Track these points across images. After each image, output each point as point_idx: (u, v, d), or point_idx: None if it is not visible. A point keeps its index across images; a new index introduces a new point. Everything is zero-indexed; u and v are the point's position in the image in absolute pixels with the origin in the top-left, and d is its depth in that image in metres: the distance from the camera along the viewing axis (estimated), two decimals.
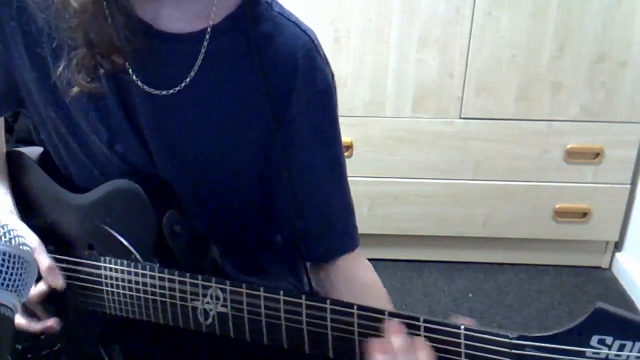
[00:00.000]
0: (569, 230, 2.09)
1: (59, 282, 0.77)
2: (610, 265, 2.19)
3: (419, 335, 0.59)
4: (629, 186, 2.02)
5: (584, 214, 2.06)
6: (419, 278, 2.13)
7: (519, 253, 2.19)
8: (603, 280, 2.14)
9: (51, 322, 0.80)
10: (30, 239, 0.78)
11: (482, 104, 1.95)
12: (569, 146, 1.98)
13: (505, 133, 1.97)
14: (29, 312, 0.81)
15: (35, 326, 0.79)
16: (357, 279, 0.87)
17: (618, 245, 2.17)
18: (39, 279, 0.77)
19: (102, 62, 0.73)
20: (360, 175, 2.03)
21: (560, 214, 2.06)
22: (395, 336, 0.59)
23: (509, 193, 2.05)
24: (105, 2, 0.70)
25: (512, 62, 1.89)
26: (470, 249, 2.19)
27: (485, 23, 1.85)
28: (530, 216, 2.07)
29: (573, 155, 1.98)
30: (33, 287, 0.75)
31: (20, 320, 0.79)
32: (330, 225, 0.86)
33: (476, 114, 1.96)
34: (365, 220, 2.08)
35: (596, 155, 1.98)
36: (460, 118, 1.97)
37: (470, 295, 2.06)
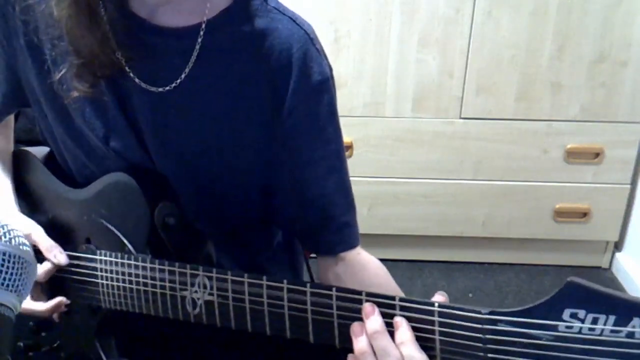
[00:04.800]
0: (569, 230, 2.09)
1: (62, 258, 0.79)
2: (610, 265, 2.19)
3: (394, 313, 0.60)
4: (629, 186, 2.02)
5: (584, 214, 2.06)
6: (419, 278, 2.13)
7: (519, 253, 2.19)
8: (603, 280, 2.14)
9: (57, 301, 0.80)
10: (30, 223, 0.80)
11: (482, 104, 1.95)
12: (569, 146, 1.98)
13: (505, 133, 1.97)
14: (34, 296, 0.82)
15: (43, 307, 0.80)
16: (364, 267, 0.87)
17: (618, 245, 2.17)
18: (41, 260, 0.79)
19: (96, 70, 0.73)
20: (360, 175, 2.03)
21: (560, 214, 2.06)
22: (368, 319, 0.60)
23: (509, 193, 2.05)
24: (101, 1, 0.71)
25: (512, 62, 1.89)
26: (470, 249, 2.19)
27: (485, 23, 1.85)
28: (530, 216, 2.07)
29: (573, 155, 1.98)
30: (38, 265, 0.77)
31: (28, 305, 0.79)
32: (331, 220, 0.85)
33: (476, 114, 1.96)
34: (365, 220, 2.07)
35: (596, 155, 1.98)
36: (460, 118, 1.97)
37: (470, 295, 2.06)
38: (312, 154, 0.82)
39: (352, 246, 0.87)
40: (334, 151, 0.83)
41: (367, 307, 0.61)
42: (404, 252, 2.20)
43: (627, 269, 2.09)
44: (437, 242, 2.18)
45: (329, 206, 0.85)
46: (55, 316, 0.82)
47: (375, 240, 2.13)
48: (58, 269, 0.80)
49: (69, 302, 0.81)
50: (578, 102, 1.93)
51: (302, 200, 0.83)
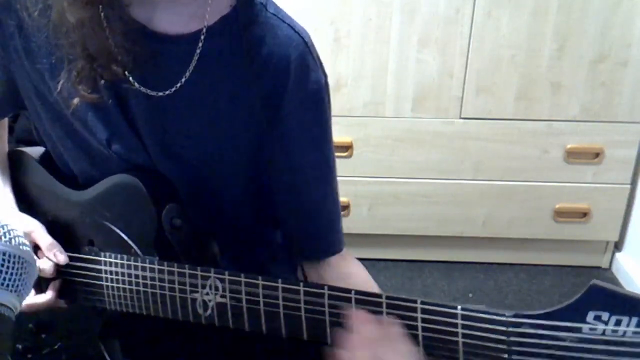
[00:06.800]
0: (569, 230, 2.09)
1: (62, 257, 0.79)
2: (610, 265, 2.19)
3: (415, 316, 0.60)
4: (629, 186, 2.02)
5: (584, 214, 2.06)
6: (419, 278, 2.13)
7: (519, 253, 2.19)
8: (603, 280, 2.12)
9: (56, 286, 0.81)
10: (32, 221, 0.80)
11: (482, 104, 1.95)
12: (569, 146, 1.98)
13: (505, 133, 1.98)
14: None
15: (45, 297, 0.80)
16: (349, 275, 0.87)
17: (618, 245, 2.17)
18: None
19: (102, 73, 0.73)
20: (360, 175, 2.03)
21: (560, 214, 2.06)
22: (365, 327, 0.60)
23: (509, 193, 2.05)
24: (100, 5, 0.71)
25: (512, 62, 1.89)
26: (470, 249, 2.19)
27: (485, 23, 1.85)
28: (530, 216, 2.07)
29: (573, 155, 1.98)
30: (40, 261, 0.78)
31: (31, 300, 0.79)
32: (320, 225, 0.86)
33: (476, 114, 1.96)
34: (365, 220, 2.08)
35: (596, 155, 1.98)
36: (460, 118, 1.97)
37: (470, 295, 2.06)
38: (301, 160, 0.82)
39: (333, 253, 0.87)
40: (324, 159, 0.84)
41: (359, 314, 0.60)
42: (404, 252, 2.20)
43: (627, 269, 2.09)
44: (437, 242, 2.18)
45: (317, 212, 0.85)
46: (62, 302, 0.82)
47: (375, 240, 2.13)
48: (61, 271, 0.80)
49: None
50: (578, 102, 1.93)
51: (292, 205, 0.84)
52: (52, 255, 0.78)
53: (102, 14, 0.71)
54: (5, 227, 0.55)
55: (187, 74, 0.75)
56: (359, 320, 0.61)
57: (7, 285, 0.53)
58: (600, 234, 2.11)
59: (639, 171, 2.03)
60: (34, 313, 0.81)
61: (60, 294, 0.81)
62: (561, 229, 2.09)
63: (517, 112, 1.95)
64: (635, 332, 0.50)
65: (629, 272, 2.08)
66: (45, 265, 0.78)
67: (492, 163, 2.01)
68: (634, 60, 1.87)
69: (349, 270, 0.87)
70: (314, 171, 0.84)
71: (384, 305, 0.61)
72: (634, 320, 0.50)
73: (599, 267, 2.20)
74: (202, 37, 0.75)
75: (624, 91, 1.90)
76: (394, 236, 2.15)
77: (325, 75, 0.82)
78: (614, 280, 2.13)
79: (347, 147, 1.98)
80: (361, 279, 0.88)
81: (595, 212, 2.05)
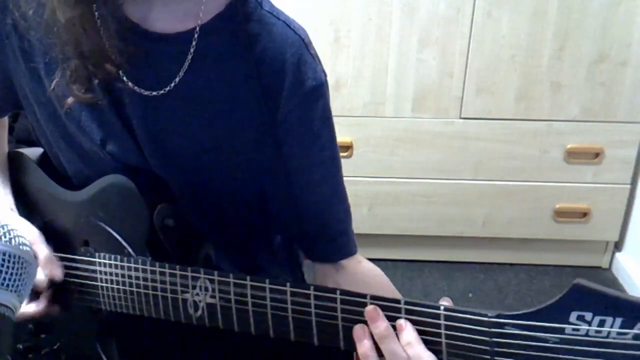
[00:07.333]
0: (569, 230, 2.09)
1: (58, 273, 0.78)
2: (610, 265, 2.19)
3: (400, 317, 0.60)
4: (629, 186, 2.02)
5: (584, 214, 2.06)
6: (419, 278, 2.13)
7: (519, 253, 2.19)
8: (603, 280, 2.14)
9: (47, 299, 0.79)
10: (31, 231, 0.79)
11: (482, 104, 1.95)
12: (569, 146, 1.98)
13: (505, 133, 1.98)
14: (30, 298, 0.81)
15: (34, 308, 0.79)
16: (362, 277, 0.86)
17: (618, 245, 2.17)
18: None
19: (96, 72, 0.73)
20: (360, 175, 2.03)
21: (560, 214, 2.06)
22: (374, 324, 0.60)
23: (509, 193, 2.05)
24: (94, 5, 0.70)
25: (512, 62, 1.89)
26: (470, 249, 2.19)
27: (485, 23, 1.85)
28: (530, 216, 2.07)
29: (573, 155, 1.98)
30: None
31: (23, 309, 0.78)
32: (330, 227, 0.85)
33: (476, 114, 1.96)
34: (365, 220, 2.08)
35: (596, 155, 1.98)
36: (460, 118, 1.97)
37: (470, 295, 2.06)
38: (306, 160, 0.81)
39: (350, 254, 0.86)
40: (328, 157, 0.83)
41: (371, 311, 0.60)
42: (404, 252, 2.20)
43: (627, 269, 2.09)
44: (437, 242, 2.18)
45: (325, 213, 0.85)
46: (55, 310, 0.81)
47: (375, 240, 2.13)
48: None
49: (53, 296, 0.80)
50: (578, 102, 1.93)
51: (297, 207, 0.83)
52: (48, 270, 0.77)
53: (95, 12, 0.71)
54: (5, 227, 0.55)
55: (182, 72, 0.75)
56: (368, 317, 0.61)
57: (7, 286, 0.53)
58: (600, 234, 2.11)
59: (639, 171, 2.03)
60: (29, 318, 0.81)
61: (55, 298, 0.81)
62: (561, 229, 2.09)
63: (517, 112, 1.95)
64: (619, 333, 0.49)
65: (629, 272, 2.08)
66: (39, 277, 0.77)
67: (492, 163, 2.01)
68: (634, 60, 1.87)
69: (360, 271, 0.86)
70: (319, 170, 0.82)
71: (368, 304, 0.61)
72: (618, 320, 0.49)
73: (599, 267, 2.20)
74: (196, 35, 0.74)
75: (624, 91, 1.90)
76: (394, 236, 2.15)
77: (325, 74, 0.81)
78: (614, 281, 2.13)
79: (347, 147, 1.98)
80: (380, 283, 0.86)
81: (595, 212, 2.05)
